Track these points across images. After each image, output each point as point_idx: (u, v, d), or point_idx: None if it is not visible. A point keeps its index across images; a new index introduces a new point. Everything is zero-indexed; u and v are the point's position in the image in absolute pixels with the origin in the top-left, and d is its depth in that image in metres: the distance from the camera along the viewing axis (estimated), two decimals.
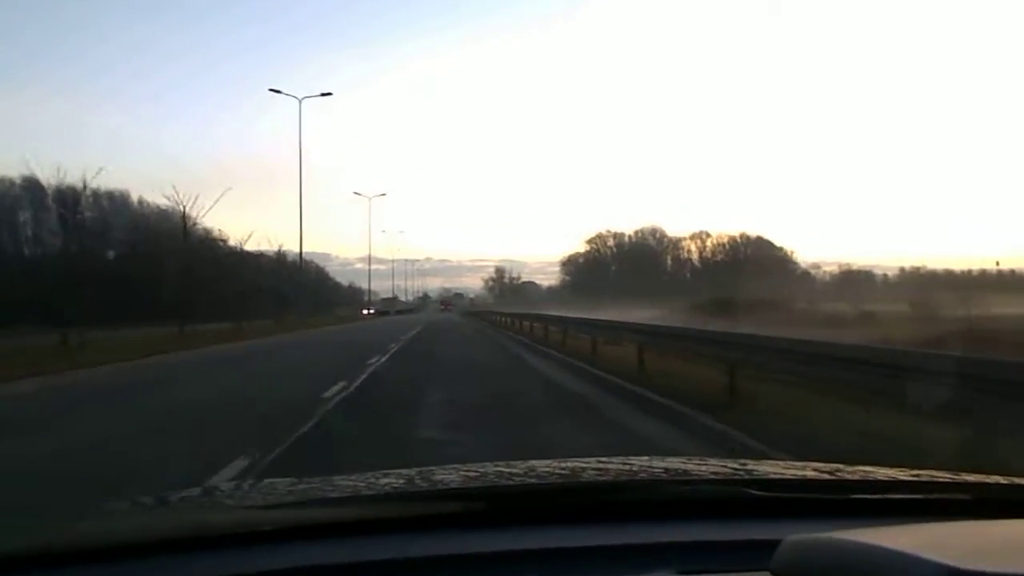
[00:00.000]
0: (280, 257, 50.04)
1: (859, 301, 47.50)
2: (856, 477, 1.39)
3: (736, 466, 1.60)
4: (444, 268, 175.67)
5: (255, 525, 1.12)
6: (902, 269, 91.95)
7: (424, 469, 1.52)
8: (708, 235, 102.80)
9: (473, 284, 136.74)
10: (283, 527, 1.10)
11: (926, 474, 1.36)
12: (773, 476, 1.43)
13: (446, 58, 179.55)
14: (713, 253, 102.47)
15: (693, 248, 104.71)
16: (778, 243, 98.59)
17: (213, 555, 1.03)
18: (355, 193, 67.12)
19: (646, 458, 1.62)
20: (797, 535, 0.84)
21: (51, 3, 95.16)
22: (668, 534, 1.13)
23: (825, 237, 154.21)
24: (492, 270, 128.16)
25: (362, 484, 1.42)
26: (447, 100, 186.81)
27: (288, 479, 1.52)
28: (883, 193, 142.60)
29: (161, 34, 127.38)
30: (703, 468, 1.55)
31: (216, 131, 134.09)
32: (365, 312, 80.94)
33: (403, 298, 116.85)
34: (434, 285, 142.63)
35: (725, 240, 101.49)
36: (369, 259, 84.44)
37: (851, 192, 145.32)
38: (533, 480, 1.43)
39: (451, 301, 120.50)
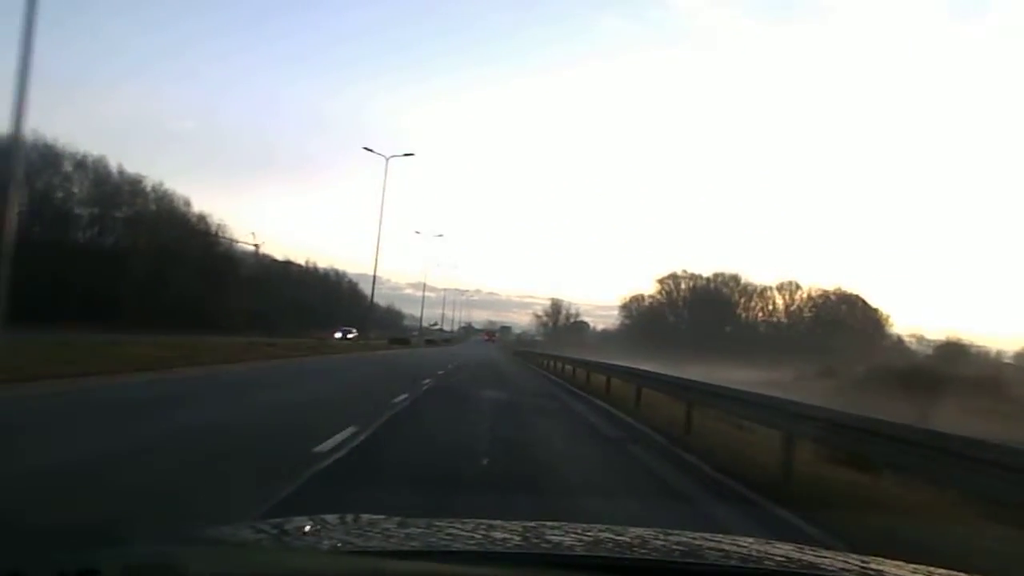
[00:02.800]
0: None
1: None
2: None
3: (812, 556, 1.61)
4: (492, 301, 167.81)
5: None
6: None
7: (529, 525, 1.62)
8: (798, 286, 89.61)
9: (520, 320, 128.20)
10: None
11: None
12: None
13: (509, 91, 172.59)
14: (800, 308, 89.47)
15: (779, 300, 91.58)
16: (873, 305, 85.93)
17: None
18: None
19: (706, 535, 1.75)
20: None
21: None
22: None
23: (912, 304, 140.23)
24: (540, 307, 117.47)
25: (480, 536, 1.55)
26: (508, 135, 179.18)
27: (395, 518, 1.62)
28: (976, 267, 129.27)
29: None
30: (775, 553, 1.59)
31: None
32: (339, 336, 52.46)
33: (447, 328, 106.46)
34: (481, 317, 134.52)
35: (816, 294, 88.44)
36: (379, 238, 71.83)
37: (945, 261, 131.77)
38: (656, 556, 1.51)
39: (496, 332, 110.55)
